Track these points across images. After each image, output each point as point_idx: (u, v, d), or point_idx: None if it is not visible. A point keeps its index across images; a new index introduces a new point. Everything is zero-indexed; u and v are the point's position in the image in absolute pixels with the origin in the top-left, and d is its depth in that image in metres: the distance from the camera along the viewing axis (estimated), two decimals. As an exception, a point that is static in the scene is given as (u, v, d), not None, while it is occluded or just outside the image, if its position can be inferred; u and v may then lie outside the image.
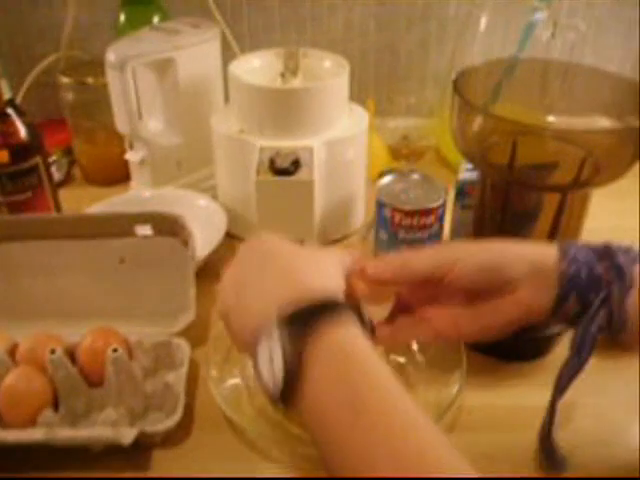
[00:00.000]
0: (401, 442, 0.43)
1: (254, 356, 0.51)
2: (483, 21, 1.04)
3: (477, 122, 0.69)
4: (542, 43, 0.96)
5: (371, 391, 0.46)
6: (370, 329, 0.54)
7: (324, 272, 0.56)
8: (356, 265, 0.60)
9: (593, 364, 0.75)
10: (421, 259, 0.60)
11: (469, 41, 1.06)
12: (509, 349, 0.75)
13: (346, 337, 0.49)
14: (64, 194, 0.95)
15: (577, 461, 0.64)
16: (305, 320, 0.49)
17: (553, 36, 0.96)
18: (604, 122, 0.72)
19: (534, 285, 0.57)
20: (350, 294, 0.57)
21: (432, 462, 0.43)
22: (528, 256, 0.58)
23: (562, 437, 0.65)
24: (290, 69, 0.92)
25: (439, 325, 0.61)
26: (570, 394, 0.69)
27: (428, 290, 0.62)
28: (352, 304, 0.54)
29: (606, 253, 0.57)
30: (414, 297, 0.63)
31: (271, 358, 0.48)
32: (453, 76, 0.73)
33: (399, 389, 0.46)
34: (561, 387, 0.61)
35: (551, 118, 0.77)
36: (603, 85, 0.76)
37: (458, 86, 0.70)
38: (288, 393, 0.48)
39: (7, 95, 0.80)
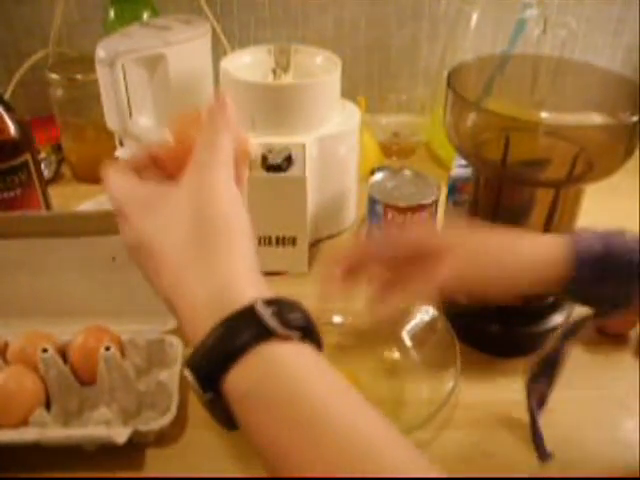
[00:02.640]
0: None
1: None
2: (474, 18, 1.04)
3: (471, 118, 0.69)
4: (533, 40, 0.97)
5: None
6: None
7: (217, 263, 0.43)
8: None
9: (586, 358, 0.76)
10: (408, 240, 0.63)
11: (460, 38, 1.06)
12: (504, 345, 0.75)
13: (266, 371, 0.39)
14: (53, 192, 0.94)
15: (567, 456, 0.65)
16: (208, 365, 0.40)
17: (544, 33, 0.96)
18: (596, 118, 0.72)
19: (541, 288, 0.61)
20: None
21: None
22: (538, 271, 0.59)
23: (552, 431, 0.66)
24: (281, 65, 0.91)
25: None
26: (562, 388, 0.70)
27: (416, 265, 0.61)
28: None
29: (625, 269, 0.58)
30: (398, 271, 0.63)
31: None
32: (445, 73, 0.73)
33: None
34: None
35: (542, 114, 0.77)
36: (594, 81, 0.77)
37: (452, 82, 0.70)
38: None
39: (-4, 91, 0.80)
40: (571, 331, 0.62)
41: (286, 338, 0.39)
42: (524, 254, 0.60)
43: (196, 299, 0.41)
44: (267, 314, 0.39)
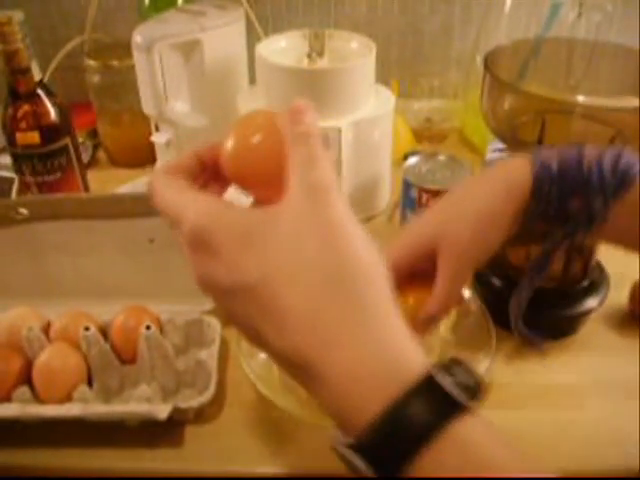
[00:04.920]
0: None
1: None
2: (508, 2, 1.04)
3: (507, 100, 0.69)
4: (568, 24, 0.96)
5: None
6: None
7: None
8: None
9: (618, 342, 0.76)
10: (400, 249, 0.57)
11: (494, 22, 1.05)
12: (538, 327, 0.75)
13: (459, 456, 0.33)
14: (90, 176, 0.95)
15: (602, 439, 0.65)
16: (388, 449, 0.33)
17: (579, 16, 0.95)
18: (633, 101, 0.72)
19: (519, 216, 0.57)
20: None
21: None
22: (511, 197, 0.56)
23: (584, 414, 0.66)
24: (316, 50, 0.92)
25: None
26: (595, 372, 0.70)
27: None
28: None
29: (582, 185, 0.55)
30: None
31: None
32: (479, 57, 0.73)
33: None
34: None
35: (578, 98, 0.77)
36: (630, 64, 0.76)
37: (489, 65, 0.70)
38: None
39: (37, 76, 0.81)
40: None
41: (470, 410, 0.34)
42: (496, 190, 0.57)
43: (354, 365, 0.34)
44: (448, 384, 0.34)
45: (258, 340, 0.38)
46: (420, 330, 0.55)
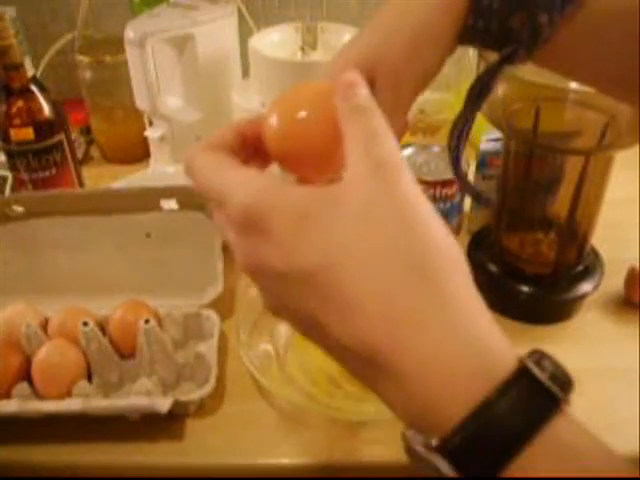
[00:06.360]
0: None
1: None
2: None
3: (502, 88, 0.69)
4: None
5: None
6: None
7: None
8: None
9: (613, 329, 0.76)
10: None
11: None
12: (535, 312, 0.76)
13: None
14: (83, 173, 0.95)
15: (597, 425, 0.65)
16: (481, 452, 0.30)
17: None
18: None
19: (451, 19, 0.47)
20: None
21: None
22: (448, 31, 0.48)
23: (580, 399, 0.66)
24: (309, 43, 0.92)
25: None
26: (590, 358, 0.70)
27: None
28: None
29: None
30: None
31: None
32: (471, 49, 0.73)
33: None
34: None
35: (571, 85, 0.77)
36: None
37: (483, 52, 0.70)
38: None
39: (30, 72, 0.81)
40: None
41: (566, 407, 0.32)
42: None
43: (437, 360, 0.31)
44: (546, 378, 0.31)
45: (316, 332, 0.34)
46: None
